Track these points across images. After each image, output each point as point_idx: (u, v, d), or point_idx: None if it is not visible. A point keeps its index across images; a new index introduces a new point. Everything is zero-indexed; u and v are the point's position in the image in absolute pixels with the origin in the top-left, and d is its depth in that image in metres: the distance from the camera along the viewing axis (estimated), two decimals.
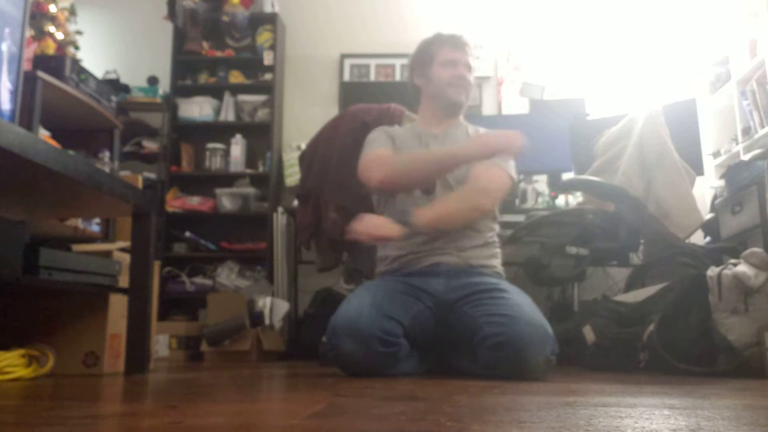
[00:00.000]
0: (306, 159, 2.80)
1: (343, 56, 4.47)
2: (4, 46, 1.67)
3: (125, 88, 4.15)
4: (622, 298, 2.25)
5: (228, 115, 4.24)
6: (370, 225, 1.76)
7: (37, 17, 3.12)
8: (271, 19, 4.33)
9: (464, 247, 1.83)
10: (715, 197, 2.99)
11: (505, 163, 1.89)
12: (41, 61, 2.64)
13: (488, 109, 4.35)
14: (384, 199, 1.95)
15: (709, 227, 2.83)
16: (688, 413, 0.91)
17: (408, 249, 1.85)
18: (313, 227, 2.68)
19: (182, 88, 4.25)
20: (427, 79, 2.00)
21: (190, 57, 4.27)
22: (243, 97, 4.26)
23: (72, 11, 3.40)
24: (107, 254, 2.06)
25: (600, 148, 2.83)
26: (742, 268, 1.79)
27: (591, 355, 2.14)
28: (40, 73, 2.39)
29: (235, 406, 1.01)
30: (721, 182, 2.97)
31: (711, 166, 3.81)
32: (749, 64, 3.52)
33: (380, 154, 1.90)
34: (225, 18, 4.29)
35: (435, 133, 2.00)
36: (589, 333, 2.16)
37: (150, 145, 4.16)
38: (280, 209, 3.86)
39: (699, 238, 3.02)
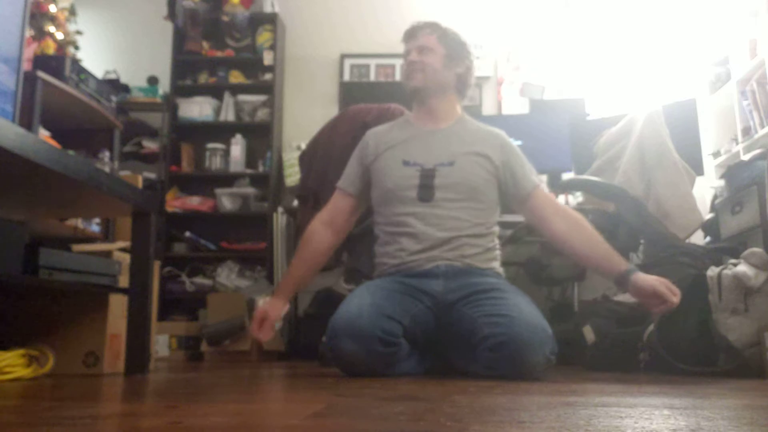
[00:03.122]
0: (306, 159, 2.81)
1: (343, 56, 4.48)
2: None
3: (125, 88, 4.16)
4: (622, 298, 2.25)
5: (228, 115, 4.25)
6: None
7: (37, 17, 3.12)
8: (271, 19, 4.33)
9: (465, 255, 1.83)
10: (715, 197, 2.99)
11: (534, 176, 1.95)
12: (41, 61, 2.64)
13: (488, 109, 4.35)
14: (381, 203, 1.94)
15: (709, 227, 2.83)
16: (688, 413, 0.91)
17: (407, 258, 1.84)
18: None
19: (182, 88, 4.25)
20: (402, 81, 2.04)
21: (190, 57, 4.27)
22: (243, 97, 4.26)
23: (72, 11, 3.40)
24: (107, 254, 2.06)
25: (600, 148, 2.83)
26: (742, 268, 1.79)
27: (591, 355, 2.14)
28: (40, 73, 2.39)
29: (235, 406, 1.01)
30: (721, 182, 2.97)
31: (711, 166, 3.81)
32: (749, 64, 3.52)
33: (314, 226, 1.94)
34: (225, 18, 4.29)
35: (430, 129, 1.95)
36: (589, 333, 2.16)
37: (150, 145, 4.16)
38: (280, 209, 3.87)
39: (699, 238, 3.02)
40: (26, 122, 2.27)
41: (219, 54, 4.32)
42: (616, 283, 1.76)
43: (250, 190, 4.08)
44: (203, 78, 4.30)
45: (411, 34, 2.00)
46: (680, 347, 1.84)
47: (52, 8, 3.21)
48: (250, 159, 4.24)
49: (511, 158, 1.93)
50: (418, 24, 2.02)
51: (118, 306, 1.93)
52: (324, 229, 1.93)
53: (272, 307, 1.83)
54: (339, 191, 2.00)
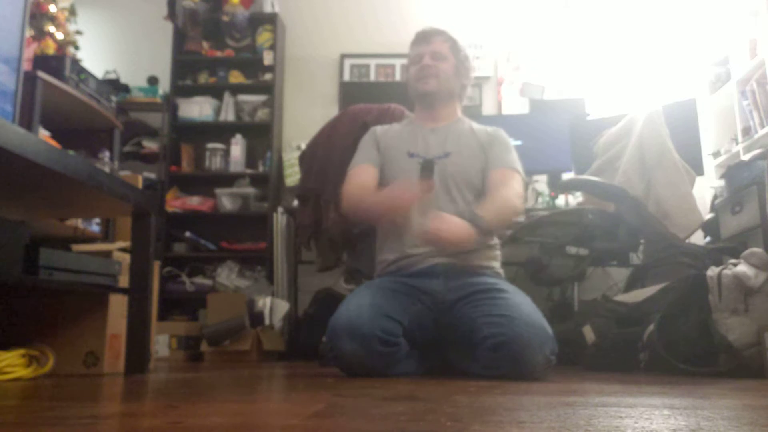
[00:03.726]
0: (306, 159, 2.80)
1: (343, 56, 4.47)
2: None
3: (125, 88, 4.16)
4: (622, 298, 2.25)
5: (228, 115, 4.24)
6: (449, 229, 1.66)
7: (37, 17, 3.12)
8: (271, 19, 4.33)
9: (464, 250, 1.83)
10: (715, 197, 2.99)
11: (514, 161, 1.95)
12: (41, 61, 2.64)
13: (488, 109, 4.35)
14: None
15: (709, 227, 2.83)
16: (688, 413, 0.91)
17: (407, 252, 1.85)
18: (313, 227, 2.67)
19: (182, 88, 4.25)
20: (408, 81, 2.07)
21: (190, 57, 4.27)
22: (243, 97, 4.26)
23: (72, 11, 3.40)
24: (107, 254, 2.06)
25: (600, 148, 2.83)
26: (742, 268, 1.79)
27: (591, 355, 2.14)
28: (40, 73, 2.39)
29: (235, 406, 1.01)
30: (721, 182, 2.97)
31: (711, 166, 3.81)
32: (749, 64, 3.52)
33: (354, 183, 1.91)
34: (225, 18, 4.29)
35: (431, 128, 2.01)
36: (589, 333, 2.16)
37: (150, 145, 4.16)
38: (280, 209, 3.86)
39: (699, 238, 3.02)
40: (26, 122, 2.27)
41: (219, 54, 4.32)
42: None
43: (250, 190, 4.08)
44: (203, 78, 4.30)
45: (424, 38, 2.03)
46: (680, 347, 1.84)
47: (52, 8, 3.21)
48: (250, 159, 4.24)
49: (495, 145, 1.97)
50: (431, 29, 2.05)
51: (118, 306, 1.93)
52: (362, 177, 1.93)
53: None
54: (360, 166, 1.98)
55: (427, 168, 1.88)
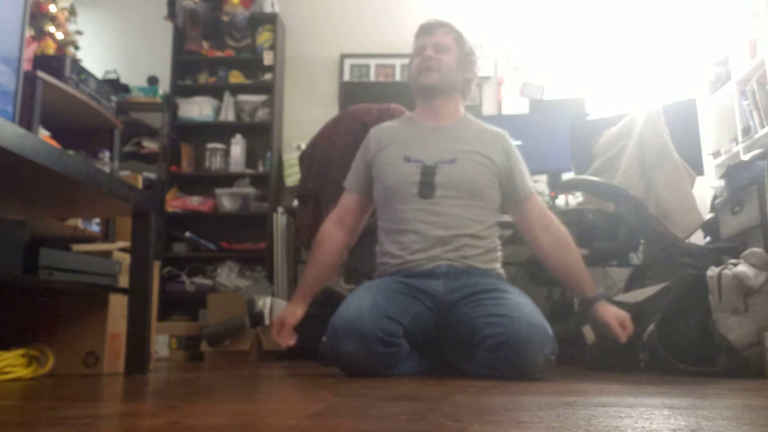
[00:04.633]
0: (306, 159, 2.81)
1: (343, 56, 4.48)
2: None
3: (125, 88, 4.16)
4: (622, 298, 2.25)
5: (228, 115, 4.25)
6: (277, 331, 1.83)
7: (37, 17, 3.12)
8: (271, 19, 4.33)
9: (467, 256, 1.83)
10: (715, 197, 2.99)
11: (529, 179, 1.96)
12: (41, 61, 2.64)
13: (488, 109, 4.35)
14: (383, 201, 1.94)
15: (709, 227, 2.83)
16: (688, 413, 0.91)
17: (408, 257, 1.84)
18: (313, 227, 2.67)
19: (182, 88, 4.25)
20: (409, 74, 2.02)
21: (190, 57, 4.27)
22: (243, 97, 4.26)
23: (72, 11, 3.40)
24: (107, 254, 2.06)
25: (600, 148, 2.83)
26: (742, 268, 1.79)
27: (591, 355, 2.14)
28: (40, 73, 2.39)
29: (235, 406, 1.01)
30: (721, 182, 2.97)
31: (711, 166, 3.81)
32: (749, 64, 3.52)
33: (327, 230, 1.96)
34: (225, 18, 4.29)
35: (433, 126, 1.95)
36: (589, 333, 2.15)
37: (150, 145, 4.16)
38: (280, 209, 3.87)
39: (699, 238, 3.02)
40: (26, 122, 2.27)
41: (219, 54, 4.32)
42: (581, 304, 1.83)
43: (250, 190, 4.08)
44: (203, 78, 4.30)
45: (428, 30, 1.99)
46: (680, 347, 1.84)
47: (52, 8, 3.20)
48: (250, 159, 4.24)
49: (512, 162, 1.93)
50: (436, 21, 2.01)
51: (118, 306, 1.93)
52: (335, 229, 1.95)
53: (290, 313, 1.84)
54: (346, 191, 2.01)
55: (428, 173, 1.86)
